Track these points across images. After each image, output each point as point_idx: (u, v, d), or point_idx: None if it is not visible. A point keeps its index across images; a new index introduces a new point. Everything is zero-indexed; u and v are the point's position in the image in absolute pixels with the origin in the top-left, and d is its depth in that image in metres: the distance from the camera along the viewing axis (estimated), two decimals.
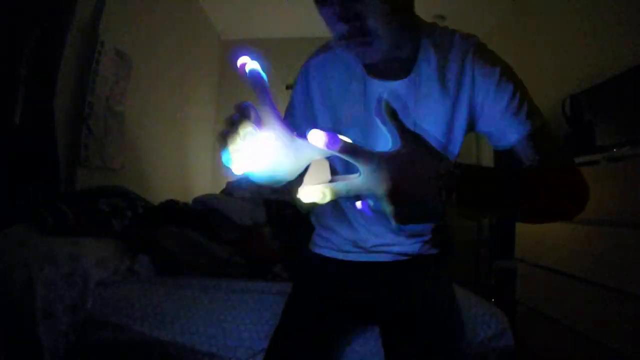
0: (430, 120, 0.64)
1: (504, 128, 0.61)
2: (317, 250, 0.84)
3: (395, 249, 0.76)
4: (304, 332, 0.69)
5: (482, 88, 0.61)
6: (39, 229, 1.12)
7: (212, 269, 1.22)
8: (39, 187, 1.30)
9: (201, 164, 3.18)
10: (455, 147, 0.68)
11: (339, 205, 0.77)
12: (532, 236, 1.57)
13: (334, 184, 0.39)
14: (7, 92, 1.27)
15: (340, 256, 0.79)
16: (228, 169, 0.37)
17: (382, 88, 0.65)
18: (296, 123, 0.73)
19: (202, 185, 3.00)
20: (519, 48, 2.61)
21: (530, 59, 2.46)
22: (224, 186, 2.39)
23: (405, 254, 0.77)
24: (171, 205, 1.55)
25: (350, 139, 0.62)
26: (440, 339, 0.67)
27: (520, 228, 1.66)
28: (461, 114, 0.64)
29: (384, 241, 0.76)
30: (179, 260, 1.24)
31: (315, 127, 0.70)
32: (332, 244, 0.81)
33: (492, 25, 2.96)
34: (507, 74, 0.61)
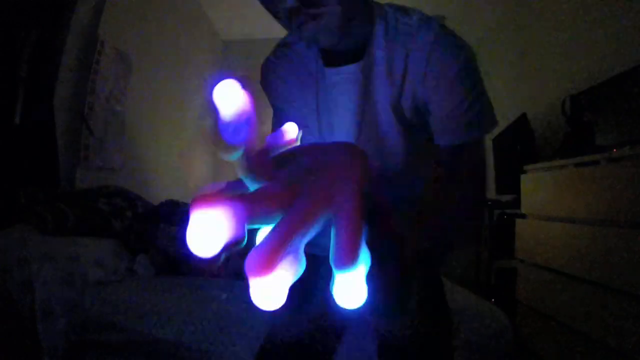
0: (380, 107, 0.63)
1: (441, 128, 0.59)
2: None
3: None
4: (298, 331, 0.69)
5: (430, 86, 0.58)
6: (39, 229, 1.12)
7: (210, 268, 1.22)
8: (39, 187, 1.30)
9: (201, 164, 3.18)
10: (403, 138, 0.64)
11: None
12: (532, 236, 1.57)
13: None
14: (7, 92, 1.27)
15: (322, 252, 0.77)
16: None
17: (337, 76, 0.64)
18: (290, 117, 0.72)
19: (202, 185, 2.99)
20: (519, 48, 2.61)
21: (530, 59, 2.45)
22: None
23: None
24: (171, 205, 1.55)
25: (311, 131, 0.61)
26: (429, 330, 0.66)
27: (520, 228, 1.66)
28: (406, 104, 0.61)
29: None
30: (178, 260, 1.24)
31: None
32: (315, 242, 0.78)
33: (492, 25, 2.96)
34: (463, 76, 0.57)
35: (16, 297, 0.91)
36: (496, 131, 2.45)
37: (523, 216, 1.66)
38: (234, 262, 1.22)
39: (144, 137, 2.19)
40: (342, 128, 0.65)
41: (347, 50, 0.61)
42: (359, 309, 0.23)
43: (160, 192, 2.14)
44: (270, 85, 0.71)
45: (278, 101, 0.72)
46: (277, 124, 0.74)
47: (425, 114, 0.61)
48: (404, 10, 0.63)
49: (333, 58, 0.63)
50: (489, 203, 2.26)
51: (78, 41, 1.58)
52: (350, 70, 0.62)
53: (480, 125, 0.59)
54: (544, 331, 1.42)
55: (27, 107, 1.31)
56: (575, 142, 1.62)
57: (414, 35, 0.59)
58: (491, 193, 2.57)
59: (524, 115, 2.06)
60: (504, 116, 2.38)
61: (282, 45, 0.72)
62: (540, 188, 1.56)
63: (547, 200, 1.50)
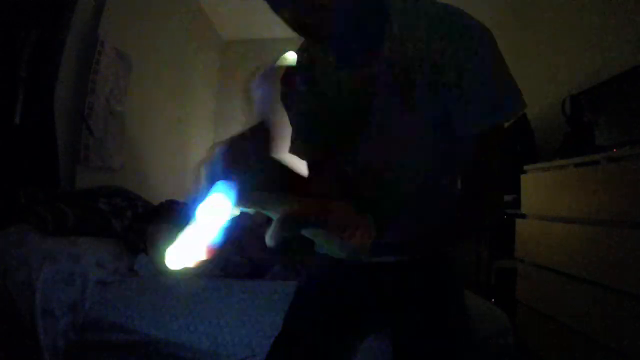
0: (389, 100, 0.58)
1: (464, 110, 0.53)
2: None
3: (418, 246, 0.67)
4: (310, 337, 0.67)
5: (455, 61, 0.55)
6: (39, 229, 1.12)
7: (210, 269, 1.22)
8: (39, 187, 1.30)
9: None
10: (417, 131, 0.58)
11: None
12: (532, 236, 1.57)
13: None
14: (7, 92, 1.27)
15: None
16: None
17: (350, 78, 0.61)
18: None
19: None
20: (519, 48, 2.61)
21: (530, 59, 2.45)
22: None
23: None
24: (171, 206, 1.55)
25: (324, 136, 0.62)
26: (448, 343, 0.64)
27: (520, 228, 1.66)
28: (424, 91, 0.56)
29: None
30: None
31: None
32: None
33: (492, 25, 2.95)
34: (491, 52, 0.58)
35: (16, 297, 0.91)
36: None
37: (523, 216, 1.66)
38: (232, 263, 1.22)
39: (144, 137, 2.19)
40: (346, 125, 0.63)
41: (360, 47, 0.57)
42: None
43: (160, 192, 2.14)
44: (290, 99, 0.69)
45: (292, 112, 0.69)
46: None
47: (446, 101, 0.54)
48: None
49: (346, 57, 0.60)
50: None
51: (78, 41, 1.58)
52: (364, 73, 0.58)
53: (508, 105, 0.55)
54: (544, 331, 1.42)
55: (27, 107, 1.31)
56: (575, 142, 1.62)
57: (430, 13, 0.56)
58: None
59: (524, 115, 2.06)
60: None
61: (300, 52, 0.69)
62: (540, 188, 1.56)
63: (547, 200, 1.50)
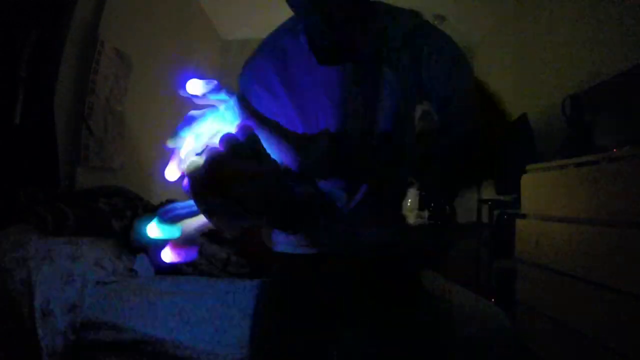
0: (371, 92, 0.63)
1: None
2: (281, 249, 0.75)
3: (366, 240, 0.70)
4: (290, 337, 0.66)
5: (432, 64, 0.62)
6: (39, 229, 1.12)
7: (211, 269, 1.22)
8: (39, 187, 1.30)
9: None
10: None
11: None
12: (532, 236, 1.57)
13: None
14: (7, 92, 1.27)
15: (307, 251, 0.72)
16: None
17: (332, 71, 0.64)
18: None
19: None
20: (519, 48, 2.61)
21: (530, 59, 2.45)
22: None
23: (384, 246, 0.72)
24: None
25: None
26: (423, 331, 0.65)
27: (520, 228, 1.66)
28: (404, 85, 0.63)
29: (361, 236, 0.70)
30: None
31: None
32: (295, 240, 0.72)
33: (492, 25, 2.96)
34: (460, 58, 0.65)
35: (16, 297, 0.91)
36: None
37: (523, 216, 1.66)
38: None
39: (144, 137, 2.19)
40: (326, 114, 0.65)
41: (341, 46, 0.62)
42: None
43: (160, 192, 2.14)
44: (256, 89, 0.69)
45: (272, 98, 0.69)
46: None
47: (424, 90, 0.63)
48: (393, 7, 0.67)
49: (324, 55, 0.64)
50: (489, 203, 2.26)
51: (78, 41, 1.58)
52: (345, 68, 0.63)
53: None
54: (544, 331, 1.42)
55: (27, 107, 1.31)
56: (575, 142, 1.62)
57: (408, 23, 0.64)
58: (491, 193, 2.57)
59: (524, 115, 2.06)
60: (505, 116, 2.38)
61: (267, 43, 0.70)
62: (540, 188, 1.56)
63: (547, 200, 1.50)
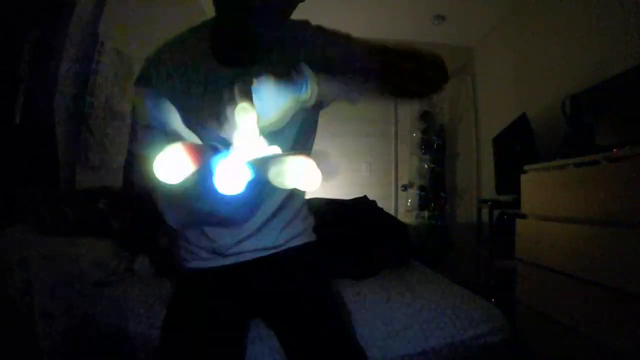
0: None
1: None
2: (187, 265, 0.84)
3: (252, 246, 0.81)
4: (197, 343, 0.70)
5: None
6: (39, 229, 1.12)
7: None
8: (38, 187, 1.30)
9: None
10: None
11: (194, 216, 0.78)
12: (532, 236, 1.57)
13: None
14: (7, 92, 1.27)
15: (205, 264, 0.82)
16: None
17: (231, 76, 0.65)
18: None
19: None
20: (519, 48, 2.61)
21: (530, 59, 2.45)
22: None
23: (265, 249, 0.82)
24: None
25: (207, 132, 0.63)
26: (320, 321, 0.72)
27: (520, 228, 1.66)
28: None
29: (241, 242, 0.80)
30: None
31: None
32: (195, 256, 0.82)
33: (492, 25, 2.96)
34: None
35: (16, 297, 0.91)
36: (496, 131, 2.46)
37: (523, 216, 1.66)
38: None
39: None
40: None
41: (247, 49, 0.67)
42: None
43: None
44: (151, 93, 0.71)
45: (156, 114, 0.71)
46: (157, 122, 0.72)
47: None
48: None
49: (227, 56, 0.68)
50: (489, 203, 2.26)
51: (78, 41, 1.58)
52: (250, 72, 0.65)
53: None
54: (544, 331, 1.42)
55: (27, 107, 1.31)
56: (575, 142, 1.62)
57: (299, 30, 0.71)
58: (491, 193, 2.57)
59: (524, 115, 2.06)
60: (504, 116, 2.38)
61: (169, 44, 0.73)
62: (540, 188, 1.56)
63: (547, 200, 1.50)
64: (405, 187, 3.39)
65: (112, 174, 1.84)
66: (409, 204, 3.37)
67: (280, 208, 0.82)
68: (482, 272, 2.36)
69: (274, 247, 0.82)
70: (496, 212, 2.26)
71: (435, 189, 3.31)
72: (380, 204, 1.64)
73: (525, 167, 1.67)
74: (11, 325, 0.91)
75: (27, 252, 0.99)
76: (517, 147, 2.10)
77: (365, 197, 1.63)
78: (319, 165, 0.35)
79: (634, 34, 1.59)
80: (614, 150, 1.25)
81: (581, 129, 1.63)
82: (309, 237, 0.88)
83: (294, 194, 0.84)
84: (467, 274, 2.64)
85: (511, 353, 0.96)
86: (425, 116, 3.39)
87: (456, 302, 1.04)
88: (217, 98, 0.60)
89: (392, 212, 3.27)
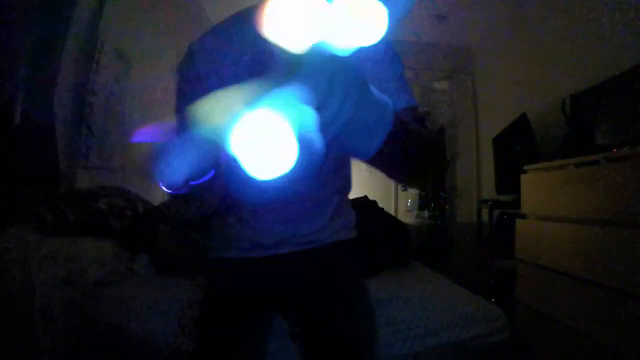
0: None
1: (394, 94, 0.62)
2: (223, 254, 0.81)
3: (294, 239, 0.77)
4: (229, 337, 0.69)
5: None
6: (39, 229, 1.12)
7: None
8: (38, 187, 1.30)
9: None
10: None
11: (237, 207, 0.76)
12: (532, 236, 1.57)
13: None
14: (7, 92, 1.27)
15: (244, 254, 0.79)
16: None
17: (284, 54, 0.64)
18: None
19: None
20: (519, 48, 2.61)
21: (530, 59, 2.45)
22: None
23: (308, 242, 0.78)
24: (170, 205, 1.55)
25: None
26: (345, 325, 0.68)
27: (520, 228, 1.66)
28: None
29: (284, 234, 0.77)
30: (179, 260, 1.24)
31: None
32: (234, 245, 0.79)
33: (492, 25, 2.96)
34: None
35: (16, 297, 0.91)
36: (496, 131, 2.46)
37: (523, 216, 1.66)
38: None
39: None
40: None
41: None
42: None
43: (160, 192, 2.14)
44: (198, 67, 0.70)
45: (209, 83, 0.70)
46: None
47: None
48: None
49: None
50: (489, 203, 2.26)
51: (78, 41, 1.58)
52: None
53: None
54: (544, 331, 1.42)
55: (27, 107, 1.31)
56: (575, 142, 1.62)
57: None
58: (491, 193, 2.57)
59: (524, 115, 2.06)
60: (504, 116, 2.38)
61: (215, 29, 0.71)
62: (540, 188, 1.56)
63: (547, 200, 1.50)
64: (405, 187, 3.40)
65: (112, 174, 1.84)
66: (409, 204, 3.37)
67: (327, 199, 0.78)
68: (482, 272, 2.36)
69: (316, 241, 0.78)
70: (496, 212, 2.26)
71: (435, 189, 3.31)
72: (380, 204, 1.64)
73: (525, 167, 1.67)
74: (11, 325, 0.91)
75: (27, 252, 0.99)
76: (517, 147, 2.10)
77: (365, 197, 1.63)
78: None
79: (634, 34, 1.59)
80: (614, 150, 1.25)
81: (581, 129, 1.63)
82: (351, 233, 0.84)
83: (342, 186, 0.81)
84: (467, 274, 2.64)
85: (511, 353, 0.95)
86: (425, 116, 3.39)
87: (457, 302, 1.04)
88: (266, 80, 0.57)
89: (392, 212, 3.27)
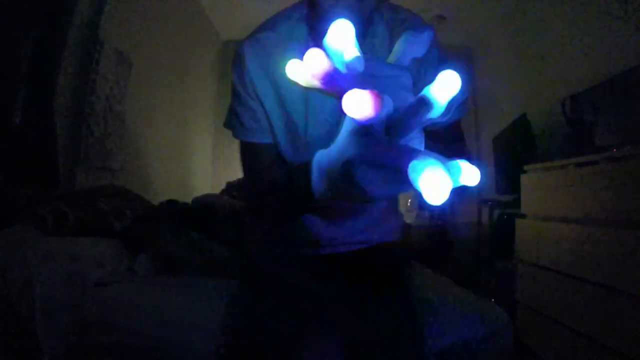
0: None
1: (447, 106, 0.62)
2: (273, 248, 0.80)
3: (348, 239, 0.76)
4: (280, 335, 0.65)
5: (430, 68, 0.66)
6: (39, 229, 1.12)
7: (211, 269, 1.22)
8: (39, 187, 1.30)
9: (201, 164, 3.18)
10: None
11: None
12: (532, 236, 1.57)
13: None
14: (7, 92, 1.27)
15: (298, 252, 0.78)
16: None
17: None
18: (244, 123, 0.69)
19: (202, 185, 3.00)
20: (519, 48, 2.61)
21: (530, 59, 2.45)
22: (223, 186, 2.38)
23: (362, 242, 0.77)
24: (171, 205, 1.55)
25: (294, 120, 0.61)
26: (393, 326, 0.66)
27: (520, 228, 1.66)
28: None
29: (338, 234, 0.76)
30: (179, 260, 1.24)
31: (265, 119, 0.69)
32: (285, 242, 0.78)
33: (492, 25, 2.96)
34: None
35: (16, 297, 0.91)
36: (496, 131, 2.46)
37: (523, 216, 1.66)
38: None
39: (144, 137, 2.19)
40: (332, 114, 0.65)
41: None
42: None
43: (160, 192, 2.14)
44: (246, 80, 0.69)
45: (252, 101, 0.69)
46: (252, 134, 0.70)
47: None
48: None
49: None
50: (489, 203, 2.26)
51: (78, 41, 1.58)
52: None
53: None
54: (544, 331, 1.42)
55: (27, 107, 1.31)
56: (575, 142, 1.62)
57: (411, 20, 0.68)
58: (491, 193, 2.57)
59: (524, 115, 2.06)
60: (504, 116, 2.38)
61: (263, 29, 0.69)
62: (540, 188, 1.56)
63: (547, 200, 1.50)
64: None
65: (112, 174, 1.84)
66: (409, 204, 3.37)
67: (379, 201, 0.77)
68: (482, 272, 2.36)
69: (368, 241, 0.78)
70: (496, 212, 2.26)
71: None
72: None
73: (525, 167, 1.67)
74: (12, 325, 0.91)
75: (27, 251, 0.99)
76: (517, 147, 2.10)
77: None
78: None
79: (635, 34, 1.59)
80: (614, 150, 1.25)
81: (581, 129, 1.63)
82: (399, 235, 0.84)
83: None
84: (467, 274, 2.64)
85: (512, 353, 0.95)
86: None
87: (457, 303, 1.04)
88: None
89: None
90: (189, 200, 1.83)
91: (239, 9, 2.93)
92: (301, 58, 0.62)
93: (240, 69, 0.69)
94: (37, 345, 0.89)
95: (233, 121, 0.73)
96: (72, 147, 1.58)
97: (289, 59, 0.65)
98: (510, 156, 2.22)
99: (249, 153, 0.72)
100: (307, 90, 0.60)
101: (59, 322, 0.93)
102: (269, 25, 0.69)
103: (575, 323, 1.26)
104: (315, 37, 0.65)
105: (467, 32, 3.16)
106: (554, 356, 1.37)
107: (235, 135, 0.73)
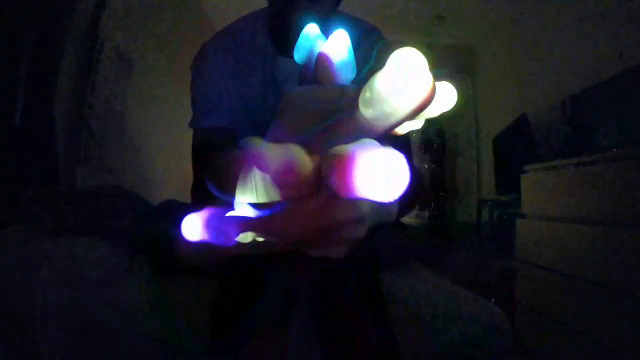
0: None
1: None
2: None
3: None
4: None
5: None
6: (39, 229, 1.12)
7: (212, 269, 1.21)
8: (38, 187, 1.30)
9: None
10: None
11: None
12: (532, 236, 1.57)
13: None
14: (7, 93, 1.27)
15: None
16: None
17: (290, 64, 0.63)
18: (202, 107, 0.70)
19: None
20: (519, 48, 2.61)
21: (530, 59, 2.45)
22: None
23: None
24: (171, 205, 1.55)
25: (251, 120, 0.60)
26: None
27: (520, 228, 1.66)
28: None
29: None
30: (178, 260, 1.24)
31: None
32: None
33: (492, 25, 2.96)
34: None
35: (15, 297, 0.91)
36: (496, 131, 2.46)
37: (523, 216, 1.66)
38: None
39: (144, 137, 2.19)
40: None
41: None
42: None
43: (160, 192, 2.14)
44: (207, 74, 0.70)
45: (211, 92, 0.70)
46: (208, 117, 0.70)
47: None
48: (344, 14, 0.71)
49: (286, 48, 0.65)
50: (489, 203, 2.26)
51: (78, 41, 1.58)
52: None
53: None
54: (544, 331, 1.42)
55: (27, 107, 1.31)
56: (575, 142, 1.62)
57: (369, 36, 0.66)
58: (491, 193, 2.57)
59: (524, 115, 2.06)
60: (504, 116, 2.38)
61: (226, 33, 0.72)
62: (540, 188, 1.56)
63: (547, 200, 1.50)
64: None
65: (112, 174, 1.84)
66: None
67: None
68: (482, 272, 2.36)
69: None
70: (496, 212, 2.26)
71: (435, 189, 3.31)
72: None
73: (525, 167, 1.67)
74: (11, 325, 0.91)
75: (27, 252, 0.99)
76: (517, 147, 2.10)
77: None
78: None
79: (634, 34, 1.59)
80: (614, 150, 1.25)
81: (581, 129, 1.63)
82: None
83: None
84: (467, 274, 2.64)
85: (511, 353, 0.95)
86: None
87: (457, 303, 1.04)
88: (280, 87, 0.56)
89: None
90: (188, 200, 1.83)
91: (239, 10, 2.93)
92: (261, 62, 0.62)
93: (202, 65, 0.73)
94: (36, 345, 0.89)
95: (193, 113, 0.74)
96: (72, 147, 1.58)
97: (250, 59, 0.67)
98: (510, 156, 2.22)
99: (202, 145, 0.73)
100: (266, 87, 0.61)
101: (59, 322, 0.93)
102: (231, 29, 0.74)
103: (575, 323, 1.26)
104: (275, 44, 0.67)
105: (467, 32, 3.16)
106: (553, 356, 1.37)
107: (191, 124, 0.74)
